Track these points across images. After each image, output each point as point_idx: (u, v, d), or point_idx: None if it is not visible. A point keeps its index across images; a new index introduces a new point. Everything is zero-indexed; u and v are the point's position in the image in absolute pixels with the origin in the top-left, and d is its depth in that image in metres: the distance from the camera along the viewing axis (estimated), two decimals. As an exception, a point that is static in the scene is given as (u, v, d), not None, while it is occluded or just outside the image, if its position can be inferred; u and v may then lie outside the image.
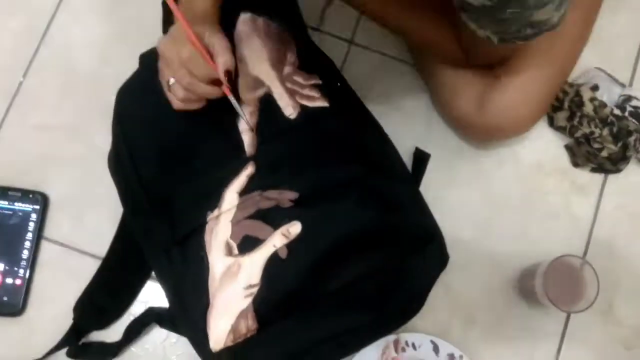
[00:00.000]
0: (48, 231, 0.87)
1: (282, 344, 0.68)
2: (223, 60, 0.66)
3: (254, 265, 0.66)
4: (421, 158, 0.88)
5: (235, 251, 0.67)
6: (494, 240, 0.89)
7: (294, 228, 0.67)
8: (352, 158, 0.73)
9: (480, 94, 0.83)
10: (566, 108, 0.91)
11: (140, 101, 0.76)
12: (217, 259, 0.68)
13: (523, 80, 0.82)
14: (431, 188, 0.83)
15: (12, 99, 0.92)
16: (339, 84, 0.80)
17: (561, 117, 0.91)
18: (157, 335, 0.84)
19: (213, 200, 0.69)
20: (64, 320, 0.82)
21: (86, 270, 0.84)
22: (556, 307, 0.78)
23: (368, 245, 0.69)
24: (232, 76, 0.67)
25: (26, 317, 0.85)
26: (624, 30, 0.95)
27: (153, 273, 0.85)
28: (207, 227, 0.69)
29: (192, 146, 0.73)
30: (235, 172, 0.70)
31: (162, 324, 0.82)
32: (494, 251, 0.89)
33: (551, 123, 0.93)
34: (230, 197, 0.69)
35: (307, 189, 0.69)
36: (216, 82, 0.68)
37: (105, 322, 0.84)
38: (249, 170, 0.70)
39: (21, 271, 0.85)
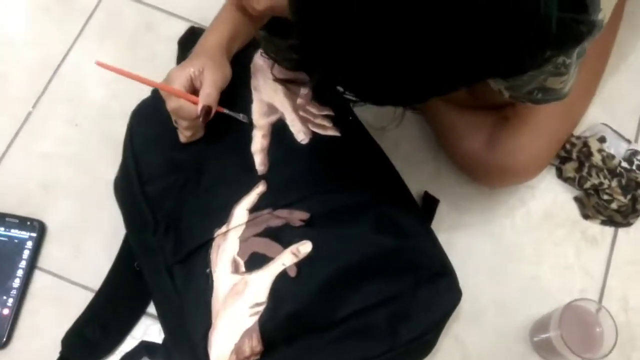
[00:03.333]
0: (42, 260, 0.84)
1: (287, 371, 0.64)
2: (205, 95, 0.66)
3: (261, 283, 0.63)
4: (430, 202, 0.88)
5: (242, 269, 0.65)
6: (504, 289, 0.86)
7: (305, 247, 0.65)
8: (364, 185, 0.73)
9: (489, 135, 0.83)
10: (574, 159, 0.91)
11: (152, 120, 0.75)
12: (223, 276, 0.65)
13: (533, 123, 0.82)
14: (439, 233, 0.81)
15: (20, 128, 0.91)
16: (351, 118, 0.80)
17: (570, 168, 0.92)
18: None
19: (222, 216, 0.68)
20: (51, 354, 0.77)
21: (78, 302, 0.80)
22: (572, 352, 0.74)
23: (381, 271, 0.67)
24: (211, 112, 0.67)
25: (11, 349, 0.79)
26: (626, 89, 0.97)
27: (149, 309, 0.81)
28: (214, 243, 0.67)
29: (202, 163, 0.72)
30: (246, 190, 0.69)
31: (154, 358, 0.76)
32: (505, 301, 0.86)
33: (560, 174, 0.93)
34: (240, 213, 0.67)
35: (319, 210, 0.68)
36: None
37: (94, 357, 0.78)
38: (260, 188, 0.69)
39: (10, 300, 0.80)
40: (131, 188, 0.74)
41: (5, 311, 0.80)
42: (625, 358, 0.83)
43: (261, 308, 0.62)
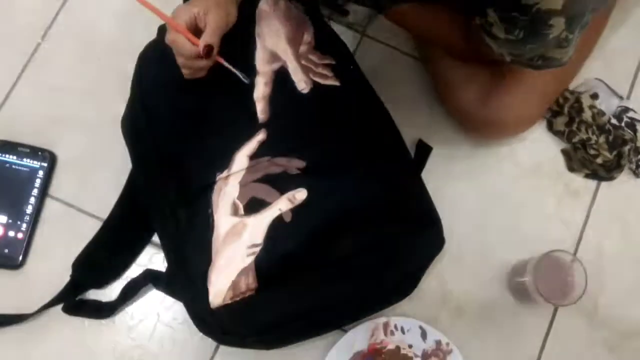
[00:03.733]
0: (53, 189, 0.89)
1: (280, 307, 0.70)
2: (207, 34, 0.67)
3: (258, 225, 0.68)
4: (424, 150, 0.91)
5: (241, 211, 0.69)
6: (487, 234, 0.92)
7: (300, 194, 0.69)
8: (359, 135, 0.76)
9: (484, 89, 0.85)
10: (565, 113, 0.94)
11: (159, 64, 0.77)
12: (223, 218, 0.69)
13: (527, 82, 0.85)
14: (430, 180, 0.85)
15: (29, 59, 0.93)
16: (351, 67, 0.83)
17: (560, 122, 0.95)
18: (153, 298, 0.85)
19: (223, 161, 0.72)
20: (62, 277, 0.83)
21: (87, 230, 0.86)
22: (544, 299, 0.80)
23: (369, 219, 0.72)
24: (212, 52, 0.68)
25: (25, 270, 0.86)
26: (626, 44, 0.99)
27: (153, 238, 0.87)
28: (216, 186, 0.71)
29: (206, 109, 0.75)
30: (247, 137, 0.72)
31: (158, 286, 0.83)
32: (487, 245, 0.91)
33: (550, 127, 0.96)
34: (241, 159, 0.71)
35: (315, 160, 0.72)
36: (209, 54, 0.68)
37: (102, 280, 0.85)
38: (260, 136, 0.72)
39: (24, 225, 0.86)
40: (138, 129, 0.78)
41: (20, 235, 0.85)
42: (593, 305, 0.89)
43: (257, 249, 0.67)
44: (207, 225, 0.70)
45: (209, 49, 0.67)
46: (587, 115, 0.93)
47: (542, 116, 0.94)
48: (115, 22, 0.96)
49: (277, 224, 0.68)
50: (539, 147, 0.96)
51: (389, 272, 0.73)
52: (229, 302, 0.68)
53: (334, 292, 0.71)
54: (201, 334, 0.74)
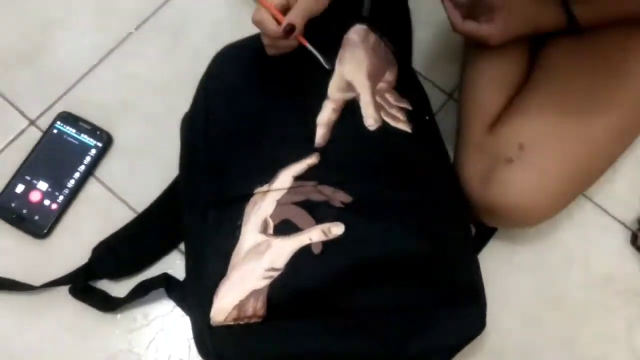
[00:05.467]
0: (100, 171, 0.87)
1: (282, 344, 0.63)
2: (292, 13, 0.65)
3: (283, 249, 0.62)
4: (486, 230, 0.83)
5: (270, 230, 0.64)
6: (536, 339, 0.81)
7: (336, 229, 0.63)
8: (418, 187, 0.70)
9: (487, 168, 0.75)
10: (655, 229, 0.84)
11: (231, 64, 0.76)
12: (250, 233, 0.64)
13: (539, 167, 0.73)
14: (485, 264, 0.76)
15: (117, 45, 0.95)
16: (427, 118, 0.78)
17: (647, 238, 0.84)
18: (164, 306, 0.80)
19: (266, 175, 0.67)
20: (81, 259, 0.80)
21: (120, 219, 0.83)
22: None
23: (407, 275, 0.64)
24: (294, 31, 0.65)
25: (47, 242, 0.83)
26: None
27: (181, 245, 0.82)
28: (252, 199, 0.66)
29: (266, 124, 0.71)
30: (297, 157, 0.68)
31: (171, 293, 0.78)
32: (534, 351, 0.80)
33: (634, 241, 0.86)
34: (285, 178, 0.67)
35: (364, 198, 0.66)
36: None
37: (118, 272, 0.80)
38: (312, 159, 0.68)
39: (61, 197, 0.84)
40: (195, 127, 0.75)
41: (54, 206, 0.84)
42: None
43: (276, 273, 0.61)
44: (232, 235, 0.65)
45: (290, 27, 0.65)
46: (680, 236, 0.82)
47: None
48: (209, 30, 0.96)
49: (303, 253, 0.62)
50: (618, 259, 0.85)
51: (413, 342, 0.64)
52: (232, 323, 0.62)
53: (345, 345, 0.63)
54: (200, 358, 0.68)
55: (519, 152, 0.73)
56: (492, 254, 0.83)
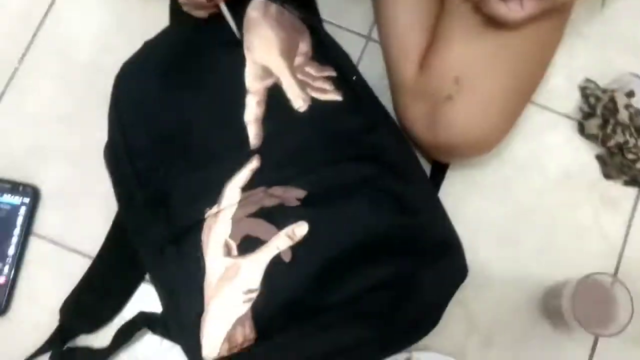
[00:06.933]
0: (37, 227, 0.81)
1: (283, 357, 0.62)
2: None
3: (254, 268, 0.60)
4: (440, 166, 0.82)
5: (235, 252, 0.61)
6: (515, 255, 0.83)
7: (300, 229, 0.61)
8: (365, 156, 0.68)
9: (429, 110, 0.71)
10: (598, 115, 0.84)
11: (138, 85, 0.70)
12: (215, 260, 0.62)
13: (480, 97, 0.70)
14: (449, 198, 0.76)
15: (6, 86, 0.87)
16: (354, 78, 0.74)
17: (593, 125, 0.85)
18: (150, 341, 0.78)
19: (212, 195, 0.64)
20: (50, 322, 0.76)
21: (76, 269, 0.78)
22: (584, 329, 0.71)
23: (380, 253, 0.64)
24: None
25: (9, 317, 0.78)
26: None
27: (146, 276, 0.79)
28: (205, 224, 0.63)
29: (192, 135, 0.67)
30: (238, 166, 0.64)
31: (154, 330, 0.75)
32: (516, 268, 0.82)
33: (582, 131, 0.86)
34: (232, 192, 0.63)
35: (316, 188, 0.64)
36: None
37: (93, 325, 0.77)
38: (253, 164, 0.64)
39: (6, 268, 0.79)
40: (118, 157, 0.70)
41: (2, 279, 0.78)
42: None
43: (254, 295, 0.60)
44: (197, 268, 0.62)
45: None
46: (623, 115, 0.83)
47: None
48: (98, 41, 0.88)
49: (275, 266, 0.60)
50: (569, 153, 0.86)
51: (406, 310, 0.65)
52: (226, 354, 0.60)
53: (344, 336, 0.63)
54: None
55: (456, 86, 0.70)
56: (450, 188, 0.82)
